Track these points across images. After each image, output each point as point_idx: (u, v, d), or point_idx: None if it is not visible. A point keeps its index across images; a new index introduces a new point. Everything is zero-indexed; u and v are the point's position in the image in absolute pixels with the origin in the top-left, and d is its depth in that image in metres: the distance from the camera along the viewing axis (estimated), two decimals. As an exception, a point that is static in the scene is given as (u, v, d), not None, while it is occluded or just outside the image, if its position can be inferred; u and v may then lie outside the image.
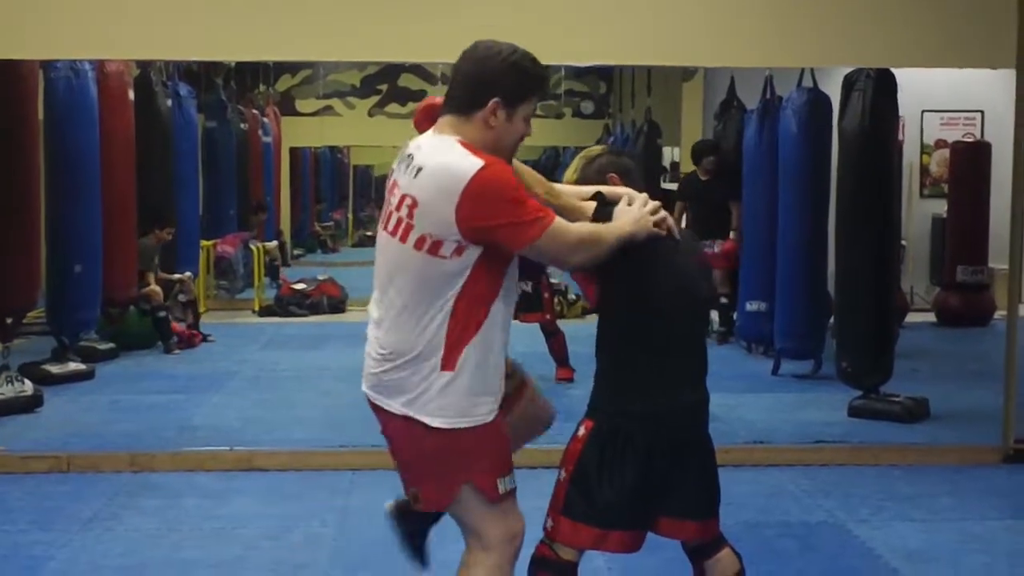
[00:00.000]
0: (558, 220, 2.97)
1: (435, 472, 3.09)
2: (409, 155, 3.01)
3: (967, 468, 6.24)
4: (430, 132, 3.06)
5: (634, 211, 3.16)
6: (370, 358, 3.09)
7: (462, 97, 3.00)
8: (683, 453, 3.33)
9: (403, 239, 2.94)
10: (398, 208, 2.97)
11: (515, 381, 3.36)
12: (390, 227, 3.00)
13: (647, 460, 3.25)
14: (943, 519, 5.39)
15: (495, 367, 3.04)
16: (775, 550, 4.88)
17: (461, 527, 3.17)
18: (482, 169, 2.87)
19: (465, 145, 2.95)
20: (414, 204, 2.91)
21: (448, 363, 2.95)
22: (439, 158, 2.93)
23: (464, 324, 2.96)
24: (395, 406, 3.02)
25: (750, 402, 7.79)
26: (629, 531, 3.33)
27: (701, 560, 3.50)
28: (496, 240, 2.91)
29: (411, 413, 2.99)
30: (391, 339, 2.99)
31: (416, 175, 2.93)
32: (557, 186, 3.32)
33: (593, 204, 3.24)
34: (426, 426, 2.98)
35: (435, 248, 2.90)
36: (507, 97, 2.98)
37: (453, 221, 2.86)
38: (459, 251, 2.90)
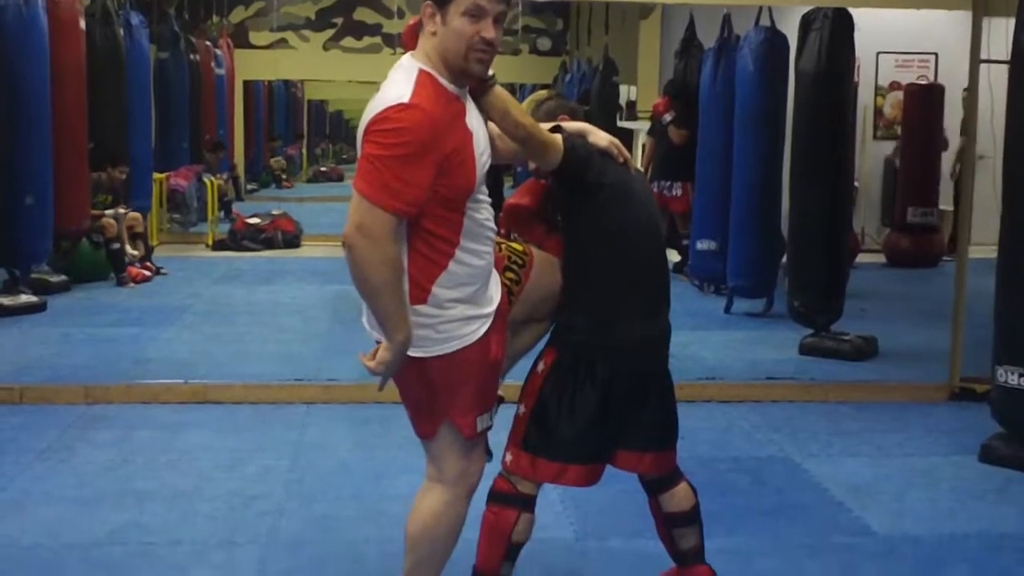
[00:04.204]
0: (376, 205, 2.82)
1: (418, 403, 3.12)
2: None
3: (914, 405, 6.35)
4: (406, 55, 3.04)
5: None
6: None
7: (408, 35, 3.03)
8: (644, 384, 3.38)
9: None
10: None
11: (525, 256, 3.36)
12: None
13: (607, 392, 3.29)
14: (889, 454, 5.48)
15: (473, 295, 3.02)
16: (726, 484, 4.96)
17: (425, 450, 3.20)
18: (395, 106, 2.83)
19: (421, 74, 2.92)
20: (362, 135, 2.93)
21: (415, 298, 2.94)
22: (381, 92, 2.93)
23: (429, 261, 2.95)
24: (375, 335, 3.04)
25: (702, 339, 7.86)
26: (587, 465, 3.38)
27: (657, 493, 3.56)
28: None
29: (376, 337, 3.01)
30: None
31: (368, 107, 2.94)
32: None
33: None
34: (408, 357, 2.97)
35: None
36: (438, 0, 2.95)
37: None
38: None
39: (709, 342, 7.83)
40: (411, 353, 2.96)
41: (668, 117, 10.27)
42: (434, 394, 3.07)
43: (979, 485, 5.03)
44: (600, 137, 3.35)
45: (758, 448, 5.56)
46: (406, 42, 3.32)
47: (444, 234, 2.95)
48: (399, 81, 2.91)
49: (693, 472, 3.78)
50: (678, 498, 3.55)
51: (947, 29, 11.98)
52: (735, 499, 4.77)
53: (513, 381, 3.51)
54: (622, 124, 13.52)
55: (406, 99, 2.84)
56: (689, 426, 5.68)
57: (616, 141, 3.38)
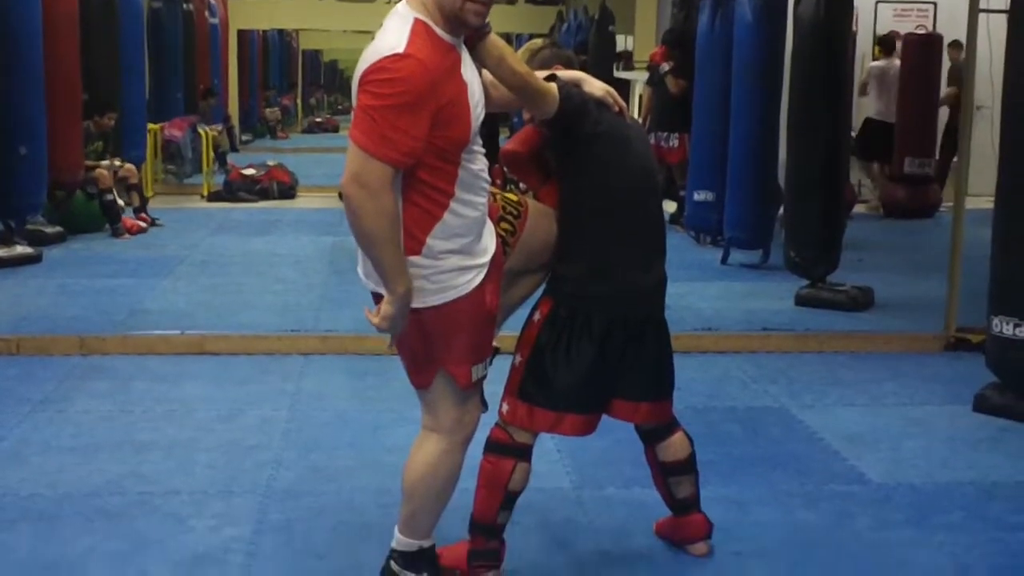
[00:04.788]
0: (372, 155, 2.80)
1: (414, 353, 3.11)
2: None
3: (909, 355, 6.37)
4: (401, 3, 2.99)
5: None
6: None
7: None
8: (640, 333, 3.39)
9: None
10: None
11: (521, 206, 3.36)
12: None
13: (604, 341, 3.30)
14: (884, 404, 5.51)
15: (467, 245, 3.01)
16: (721, 434, 4.98)
17: (421, 400, 3.21)
18: (391, 56, 2.80)
19: (417, 23, 2.88)
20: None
21: (410, 248, 2.93)
22: (376, 41, 2.89)
23: (424, 212, 2.94)
24: (370, 286, 3.05)
25: (699, 290, 7.87)
26: (583, 414, 3.39)
27: (654, 443, 3.58)
28: None
29: (382, 291, 2.97)
30: None
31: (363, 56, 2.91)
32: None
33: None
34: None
35: None
36: None
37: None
38: None
39: (705, 293, 7.83)
40: (415, 304, 2.96)
41: (665, 67, 10.21)
42: (429, 344, 3.07)
43: (973, 434, 5.06)
44: (595, 86, 3.34)
45: (753, 398, 5.58)
46: None
47: (439, 185, 2.94)
48: (394, 30, 2.87)
49: (688, 422, 3.80)
50: (674, 447, 3.57)
51: (947, -23, 11.92)
52: (731, 449, 4.79)
53: (509, 332, 3.52)
54: (619, 74, 13.47)
55: (401, 49, 2.81)
56: (684, 376, 5.68)
57: (611, 90, 3.36)
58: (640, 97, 11.34)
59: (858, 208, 11.64)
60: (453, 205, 2.96)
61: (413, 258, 2.94)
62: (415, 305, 2.96)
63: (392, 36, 2.85)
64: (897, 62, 11.79)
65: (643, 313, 3.42)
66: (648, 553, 3.75)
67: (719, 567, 3.68)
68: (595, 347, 3.31)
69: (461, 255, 2.99)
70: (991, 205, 5.45)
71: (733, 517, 4.00)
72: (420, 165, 2.88)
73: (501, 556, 3.45)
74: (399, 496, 3.25)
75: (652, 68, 10.54)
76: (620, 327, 3.33)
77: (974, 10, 6.42)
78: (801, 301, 7.43)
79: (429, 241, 2.95)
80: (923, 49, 12.03)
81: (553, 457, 4.50)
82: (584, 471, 4.42)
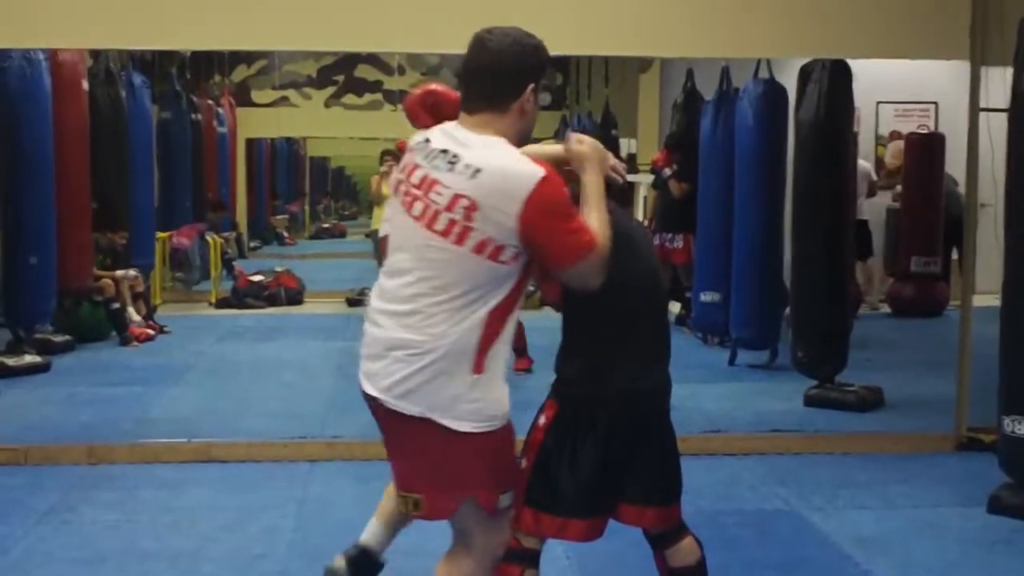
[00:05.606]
0: (598, 245, 2.92)
1: (444, 480, 3.00)
2: (445, 150, 2.89)
3: (920, 456, 6.32)
4: (464, 128, 2.93)
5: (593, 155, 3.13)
6: (382, 359, 2.91)
7: (496, 91, 2.92)
8: (645, 437, 3.37)
9: (459, 242, 2.82)
10: (449, 208, 2.83)
11: None
12: (437, 225, 2.85)
13: (609, 444, 3.28)
14: (896, 506, 5.45)
15: (504, 372, 3.00)
16: (731, 538, 4.93)
17: (452, 525, 3.16)
18: (544, 179, 2.83)
19: (510, 147, 2.91)
20: (472, 207, 2.80)
21: (479, 366, 2.88)
22: (498, 161, 2.85)
23: (494, 329, 2.90)
24: (415, 409, 2.89)
25: (706, 392, 7.84)
26: (589, 519, 3.35)
27: (662, 547, 3.54)
28: (541, 255, 2.88)
29: (435, 417, 2.87)
30: (421, 336, 2.86)
31: (473, 175, 2.82)
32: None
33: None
34: (449, 430, 2.88)
35: (496, 253, 2.83)
36: (538, 79, 2.96)
37: (515, 227, 2.81)
38: (516, 257, 2.86)
39: (713, 394, 7.81)
40: (465, 428, 2.89)
41: (668, 171, 10.31)
42: (468, 470, 2.99)
43: (986, 536, 5.00)
44: (601, 165, 3.16)
45: (763, 501, 5.53)
46: (416, 113, 3.32)
47: (516, 299, 2.94)
48: (509, 155, 2.88)
49: (698, 526, 3.76)
50: (683, 552, 3.53)
51: (946, 79, 12.03)
52: (741, 553, 4.74)
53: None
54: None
55: (540, 171, 2.85)
56: (693, 479, 5.64)
57: (616, 163, 3.27)
58: (645, 199, 11.42)
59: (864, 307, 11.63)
60: (508, 322, 2.94)
61: (478, 376, 2.88)
62: (481, 428, 2.91)
63: (516, 160, 2.87)
64: (862, 162, 11.73)
65: (646, 415, 3.40)
66: (659, 662, 3.68)
67: (732, 675, 3.61)
68: (600, 450, 3.29)
69: (502, 375, 2.97)
70: (999, 302, 5.45)
71: (745, 623, 3.94)
72: (516, 282, 2.91)
73: None
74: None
75: (655, 171, 10.63)
76: (624, 429, 3.31)
77: (974, 109, 6.50)
78: (810, 401, 7.40)
79: (486, 361, 2.90)
80: (925, 148, 12.15)
81: (562, 562, 4.45)
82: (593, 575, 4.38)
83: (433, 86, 3.32)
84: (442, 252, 2.84)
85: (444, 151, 2.89)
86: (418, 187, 2.89)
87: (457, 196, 2.82)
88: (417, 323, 2.87)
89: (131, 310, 10.17)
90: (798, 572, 4.54)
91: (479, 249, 2.82)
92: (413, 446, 2.97)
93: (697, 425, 6.73)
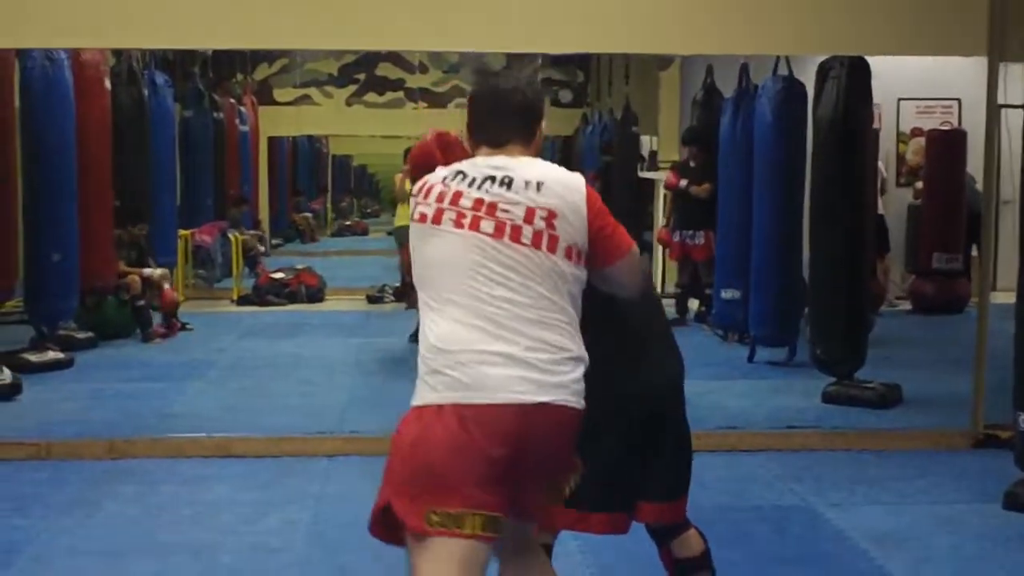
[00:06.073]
0: (634, 243, 3.08)
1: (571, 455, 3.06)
2: (492, 177, 2.93)
3: (937, 452, 6.32)
4: (497, 155, 3.01)
5: None
6: (526, 364, 2.82)
7: (525, 125, 3.07)
8: (661, 433, 3.39)
9: (551, 250, 2.88)
10: (529, 220, 2.87)
11: None
12: (523, 238, 2.87)
13: (626, 440, 3.30)
14: (913, 502, 5.46)
15: None
16: (747, 534, 4.95)
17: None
18: (586, 183, 3.01)
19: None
20: (552, 215, 2.89)
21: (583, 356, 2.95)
22: (552, 172, 2.98)
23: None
24: (574, 401, 2.89)
25: (725, 388, 7.86)
26: (611, 513, 3.38)
27: (667, 540, 3.57)
28: (598, 251, 2.97)
29: (579, 404, 2.90)
30: (563, 339, 2.88)
31: (538, 188, 2.90)
32: None
33: None
34: (579, 411, 2.91)
35: (579, 258, 2.94)
36: (543, 118, 3.13)
37: (585, 228, 2.94)
38: (584, 259, 2.98)
39: (731, 391, 7.82)
40: (578, 404, 2.90)
41: (683, 183, 10.33)
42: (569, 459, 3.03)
43: (1002, 532, 5.00)
44: None
45: (779, 497, 5.54)
46: (430, 155, 3.36)
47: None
48: (559, 168, 3.03)
49: (713, 522, 3.79)
50: (689, 543, 3.56)
51: (970, 75, 11.94)
52: (756, 549, 4.75)
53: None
54: (644, 174, 13.61)
55: (581, 176, 3.02)
56: (710, 476, 5.71)
57: None
58: (665, 196, 11.43)
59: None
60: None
61: (582, 363, 2.92)
62: (580, 406, 2.92)
63: (562, 170, 3.03)
64: None
65: (663, 409, 3.44)
66: (672, 655, 3.71)
67: (745, 669, 3.63)
68: (617, 445, 3.32)
69: None
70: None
71: (759, 618, 3.96)
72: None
73: None
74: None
75: (673, 192, 10.63)
76: (643, 423, 3.34)
77: (992, 105, 6.49)
78: (828, 398, 7.40)
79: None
80: (947, 145, 12.10)
81: (576, 558, 4.47)
82: (606, 571, 4.40)
83: (441, 130, 3.41)
84: (530, 259, 2.87)
85: (491, 177, 2.94)
86: (475, 209, 2.90)
87: (532, 208, 2.90)
88: (555, 324, 2.88)
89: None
90: (813, 568, 4.55)
91: (568, 255, 2.92)
92: (564, 437, 2.92)
93: (714, 421, 6.74)
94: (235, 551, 4.75)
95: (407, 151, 10.96)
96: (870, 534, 4.93)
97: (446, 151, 3.32)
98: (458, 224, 2.89)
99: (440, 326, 2.85)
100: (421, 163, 3.36)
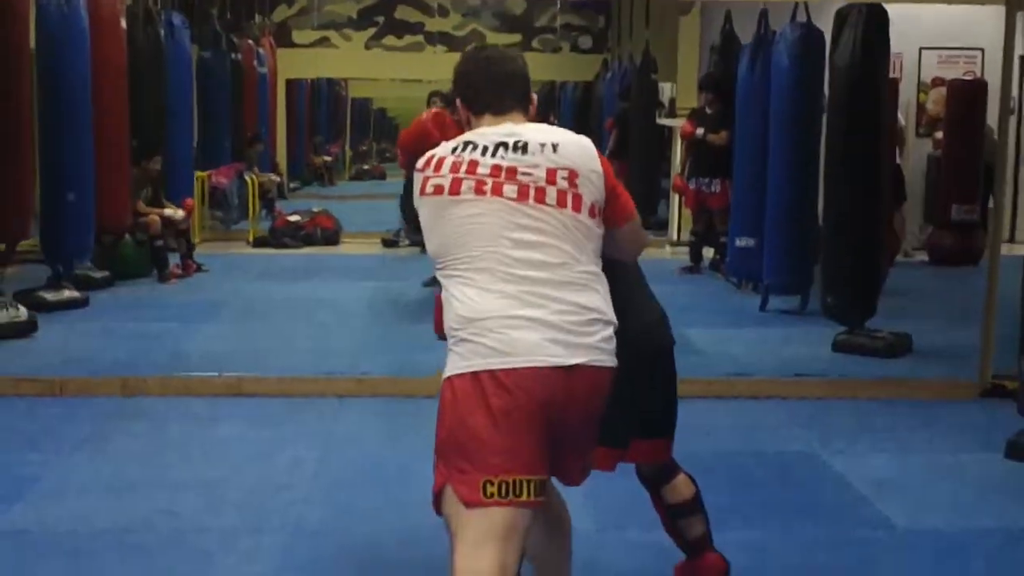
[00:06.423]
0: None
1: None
2: (503, 143, 2.90)
3: (944, 403, 6.34)
4: (502, 123, 2.99)
5: None
6: (555, 327, 2.79)
7: (524, 93, 3.07)
8: (655, 369, 3.43)
9: (576, 208, 2.87)
10: (551, 181, 2.85)
11: None
12: (548, 199, 2.85)
13: (627, 374, 3.33)
14: (916, 450, 5.48)
15: None
16: (748, 479, 4.99)
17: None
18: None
19: None
20: (574, 174, 2.88)
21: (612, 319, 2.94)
22: (563, 134, 2.98)
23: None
24: (606, 360, 2.89)
25: (735, 337, 7.88)
26: (609, 448, 3.40)
27: (658, 486, 3.61)
28: (612, 210, 2.98)
29: (611, 363, 2.91)
30: (592, 299, 2.87)
31: (554, 149, 2.89)
32: None
33: None
34: (612, 369, 2.92)
35: (600, 215, 2.94)
36: None
37: (602, 186, 2.94)
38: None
39: (742, 339, 7.84)
40: (611, 362, 2.90)
41: (700, 131, 10.28)
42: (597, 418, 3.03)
43: (1003, 481, 5.03)
44: None
45: (783, 444, 5.58)
46: (430, 132, 3.37)
47: None
48: (561, 130, 3.05)
49: (715, 467, 3.84)
50: (679, 488, 3.61)
51: (994, 25, 11.82)
52: (756, 494, 4.79)
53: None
54: (662, 121, 13.55)
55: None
56: (715, 422, 5.76)
57: None
58: (682, 141, 11.38)
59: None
60: None
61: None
62: (613, 363, 2.92)
63: (572, 133, 3.03)
64: None
65: (662, 343, 3.50)
66: (668, 596, 3.78)
67: (739, 610, 3.69)
68: (620, 380, 3.34)
69: None
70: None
71: (755, 562, 4.01)
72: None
73: None
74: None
75: (689, 141, 10.58)
76: (640, 359, 3.36)
77: (1008, 55, 6.44)
78: (838, 347, 7.40)
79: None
80: (968, 95, 11.99)
81: (578, 500, 4.51)
82: (607, 514, 4.44)
83: (437, 110, 3.43)
84: (556, 218, 2.86)
85: (503, 144, 2.92)
86: (494, 175, 2.87)
87: (552, 169, 2.88)
88: (583, 284, 2.87)
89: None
90: (813, 513, 4.59)
91: (592, 213, 2.92)
92: (598, 405, 2.94)
93: (723, 369, 6.77)
94: (242, 488, 4.82)
95: (431, 95, 10.88)
96: (871, 480, 4.96)
97: (443, 130, 3.32)
98: (479, 191, 2.85)
99: (466, 295, 2.82)
100: (417, 142, 3.37)
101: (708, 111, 10.37)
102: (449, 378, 2.81)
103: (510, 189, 2.85)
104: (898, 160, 11.42)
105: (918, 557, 4.14)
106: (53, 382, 6.33)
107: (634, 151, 13.32)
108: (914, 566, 4.07)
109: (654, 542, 4.09)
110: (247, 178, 13.67)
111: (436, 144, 3.07)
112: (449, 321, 2.85)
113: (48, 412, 5.94)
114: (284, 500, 4.67)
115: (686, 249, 11.25)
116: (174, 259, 10.34)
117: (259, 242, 12.84)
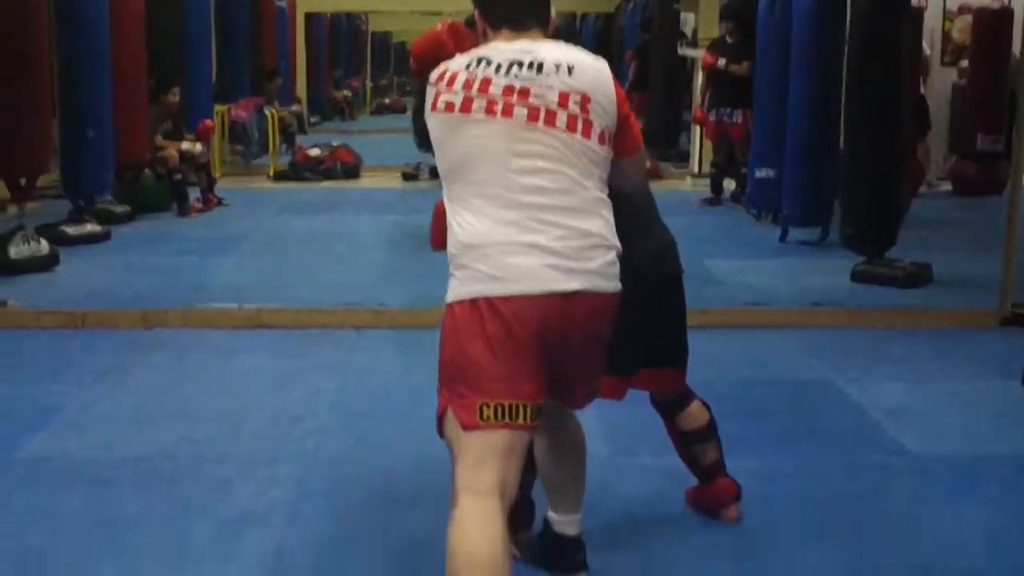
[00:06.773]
0: None
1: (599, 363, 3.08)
2: (519, 61, 2.84)
3: (963, 331, 6.32)
4: (520, 39, 2.92)
5: None
6: (554, 252, 2.78)
7: (543, 10, 2.99)
8: (663, 297, 3.43)
9: (585, 134, 2.84)
10: (563, 104, 2.81)
11: None
12: (558, 123, 2.81)
13: (638, 302, 3.34)
14: (932, 379, 5.48)
15: None
16: (764, 406, 5.00)
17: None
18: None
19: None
20: (586, 99, 2.84)
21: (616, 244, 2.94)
22: (580, 56, 2.92)
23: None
24: (608, 285, 2.89)
25: (755, 267, 7.87)
26: (616, 376, 3.42)
27: (674, 413, 3.63)
28: (622, 137, 2.95)
29: (614, 288, 2.91)
30: (596, 225, 2.85)
31: (569, 72, 2.84)
32: None
33: None
34: (615, 295, 2.93)
35: (610, 141, 2.91)
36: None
37: (614, 112, 2.90)
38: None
39: (761, 270, 7.83)
40: (613, 287, 2.90)
41: (722, 61, 10.18)
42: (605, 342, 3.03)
43: (1020, 408, 5.03)
44: None
45: (799, 372, 5.59)
46: (444, 43, 3.32)
47: None
48: (580, 50, 2.99)
49: (729, 395, 3.86)
50: (693, 415, 3.63)
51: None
52: (771, 421, 4.81)
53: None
54: (684, 52, 13.42)
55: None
56: (731, 351, 5.78)
57: None
58: (703, 72, 11.28)
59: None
60: None
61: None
62: (615, 288, 2.92)
63: (590, 55, 2.97)
64: None
65: (673, 271, 3.50)
66: (679, 520, 3.82)
67: (750, 535, 3.72)
68: (630, 308, 3.35)
69: None
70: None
71: (768, 488, 4.03)
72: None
73: (531, 517, 3.51)
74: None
75: (711, 71, 10.48)
76: (652, 287, 3.36)
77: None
78: (857, 277, 7.38)
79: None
80: (994, 23, 11.81)
81: (593, 425, 4.54)
82: (620, 438, 4.47)
83: (453, 21, 3.35)
84: (565, 143, 2.82)
85: (518, 62, 2.86)
86: (506, 95, 2.82)
87: (565, 92, 2.84)
88: (584, 216, 2.85)
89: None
90: (827, 439, 4.61)
91: (602, 139, 2.88)
92: (605, 322, 2.94)
93: (740, 299, 6.78)
94: (260, 418, 4.87)
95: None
96: (886, 408, 4.97)
97: (458, 41, 3.26)
98: (489, 111, 2.80)
99: (469, 220, 2.82)
100: (430, 52, 3.31)
101: (729, 40, 10.27)
102: (450, 304, 2.83)
103: (520, 111, 2.81)
104: (922, 89, 11.29)
105: (932, 483, 4.16)
106: (75, 314, 6.39)
107: (655, 83, 13.20)
108: (928, 492, 4.08)
109: (666, 467, 4.12)
110: (267, 112, 13.64)
111: (450, 56, 3.02)
112: (450, 246, 2.86)
113: (70, 344, 6.00)
114: (301, 430, 4.72)
115: (707, 181, 11.20)
116: (195, 193, 10.37)
117: (279, 176, 12.85)
